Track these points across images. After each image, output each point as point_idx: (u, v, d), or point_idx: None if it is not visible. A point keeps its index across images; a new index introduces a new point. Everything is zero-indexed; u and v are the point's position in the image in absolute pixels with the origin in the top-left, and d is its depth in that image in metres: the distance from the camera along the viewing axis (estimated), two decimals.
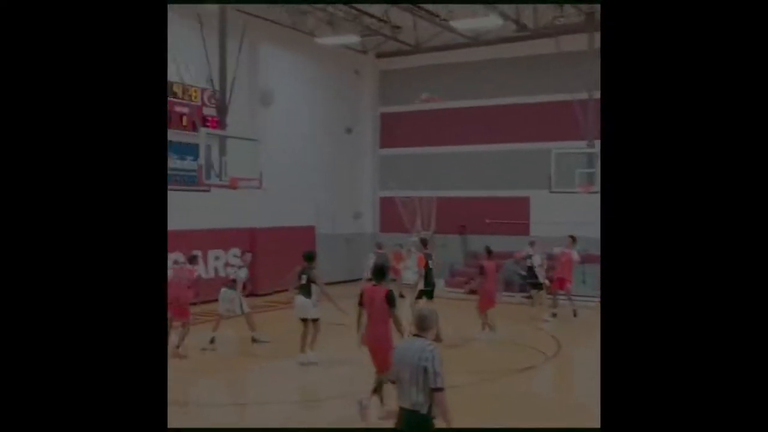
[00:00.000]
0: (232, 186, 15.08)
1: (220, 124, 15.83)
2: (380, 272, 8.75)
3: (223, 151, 14.91)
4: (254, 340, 13.28)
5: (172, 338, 12.09)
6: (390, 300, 8.31)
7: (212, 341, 12.97)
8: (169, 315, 11.73)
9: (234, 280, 13.26)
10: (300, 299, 11.71)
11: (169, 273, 11.95)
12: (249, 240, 19.48)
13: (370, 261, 15.96)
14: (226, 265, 18.48)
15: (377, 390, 8.50)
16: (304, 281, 11.70)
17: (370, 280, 14.20)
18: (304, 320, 11.71)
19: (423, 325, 5.43)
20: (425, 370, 5.12)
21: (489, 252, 14.33)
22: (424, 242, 15.28)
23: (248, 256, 13.87)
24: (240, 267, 13.48)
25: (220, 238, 18.72)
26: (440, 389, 5.17)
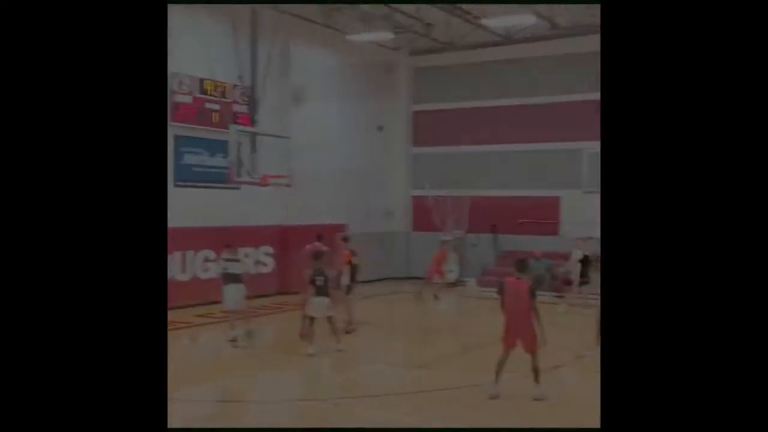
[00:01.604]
0: (263, 183, 15.14)
1: (252, 121, 15.87)
2: (522, 266, 9.48)
3: (254, 149, 14.98)
4: (233, 340, 12.84)
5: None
6: (533, 292, 9.08)
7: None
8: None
9: (237, 275, 12.83)
10: (322, 300, 11.81)
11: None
12: (279, 238, 19.53)
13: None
14: (257, 263, 18.64)
15: (534, 372, 9.20)
16: (320, 283, 11.75)
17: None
18: (313, 318, 11.82)
19: None
20: None
21: None
22: (345, 239, 15.00)
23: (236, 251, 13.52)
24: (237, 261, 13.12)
25: (251, 236, 18.77)
26: None
